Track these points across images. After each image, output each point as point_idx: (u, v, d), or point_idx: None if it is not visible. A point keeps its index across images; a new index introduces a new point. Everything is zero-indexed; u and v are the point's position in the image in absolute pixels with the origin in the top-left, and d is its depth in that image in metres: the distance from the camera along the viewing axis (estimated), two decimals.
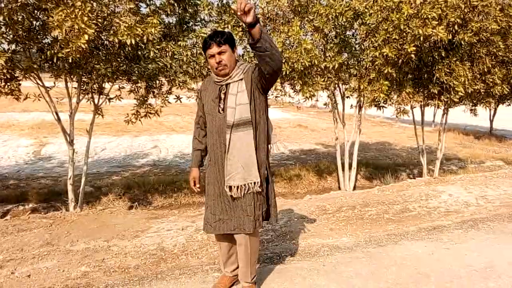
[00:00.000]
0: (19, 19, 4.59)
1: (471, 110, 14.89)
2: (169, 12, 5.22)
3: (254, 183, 2.48)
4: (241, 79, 2.48)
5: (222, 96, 2.50)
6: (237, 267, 2.80)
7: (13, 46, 4.81)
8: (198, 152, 2.75)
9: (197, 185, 2.74)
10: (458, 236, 3.89)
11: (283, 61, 5.55)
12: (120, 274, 3.15)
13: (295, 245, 3.67)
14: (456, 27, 5.83)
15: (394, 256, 3.42)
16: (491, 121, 17.61)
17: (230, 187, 2.49)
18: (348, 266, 3.24)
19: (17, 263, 3.32)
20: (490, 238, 3.84)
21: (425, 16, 5.37)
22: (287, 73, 5.58)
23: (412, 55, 5.61)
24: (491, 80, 6.81)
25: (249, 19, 2.05)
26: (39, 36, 4.85)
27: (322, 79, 6.16)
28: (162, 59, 5.15)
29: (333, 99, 7.28)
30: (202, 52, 2.62)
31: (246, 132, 2.46)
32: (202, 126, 2.72)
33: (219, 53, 2.42)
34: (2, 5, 4.23)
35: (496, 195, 5.37)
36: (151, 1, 5.23)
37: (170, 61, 5.21)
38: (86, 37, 4.08)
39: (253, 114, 2.47)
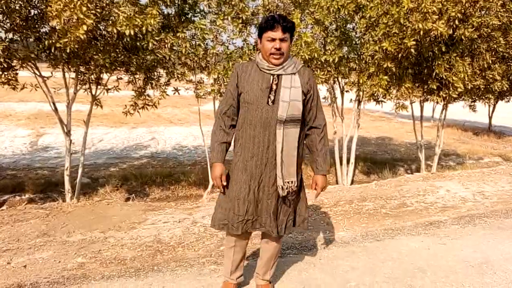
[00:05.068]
0: (17, 8, 4.55)
1: (470, 106, 14.88)
2: (168, 3, 5.17)
3: (292, 182, 2.37)
4: (294, 74, 2.34)
5: (274, 87, 2.31)
6: (241, 275, 2.72)
7: (10, 35, 4.76)
8: (224, 145, 2.43)
9: (224, 183, 2.40)
10: (454, 232, 3.89)
11: None
12: (116, 266, 3.14)
13: (292, 239, 3.67)
14: (456, 22, 5.79)
15: (391, 251, 3.43)
16: (490, 118, 17.57)
17: (280, 185, 2.35)
18: (345, 260, 3.24)
19: (13, 253, 3.32)
20: (486, 234, 3.84)
21: (425, 10, 5.33)
22: None
23: (412, 50, 5.58)
24: (491, 76, 6.79)
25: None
26: (37, 25, 4.81)
27: (322, 73, 6.13)
28: (160, 51, 5.11)
29: (332, 93, 7.25)
30: (258, 31, 2.34)
31: (294, 129, 2.32)
32: (231, 116, 2.43)
33: (282, 39, 2.24)
34: None
35: (493, 191, 5.38)
36: None
37: (169, 53, 5.17)
38: (85, 27, 4.05)
39: (303, 112, 2.36)
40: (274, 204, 2.39)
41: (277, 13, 6.27)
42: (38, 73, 5.07)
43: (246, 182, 2.37)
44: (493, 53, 6.65)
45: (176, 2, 5.34)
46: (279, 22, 2.22)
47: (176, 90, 5.77)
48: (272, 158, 2.33)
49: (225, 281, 2.72)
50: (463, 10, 5.77)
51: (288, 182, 2.36)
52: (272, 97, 2.30)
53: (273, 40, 2.25)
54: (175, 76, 5.66)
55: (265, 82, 2.32)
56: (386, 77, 5.95)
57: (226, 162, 2.43)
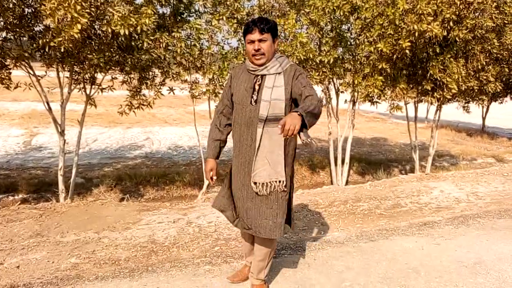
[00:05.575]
0: (10, 6, 4.51)
1: (464, 107, 14.97)
2: (163, 3, 5.15)
3: (280, 181, 2.38)
4: (279, 73, 2.37)
5: (257, 87, 2.38)
6: None
7: (4, 34, 4.73)
8: (217, 142, 2.59)
9: (214, 177, 2.59)
10: (448, 232, 3.91)
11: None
12: (110, 266, 3.13)
13: (287, 239, 3.67)
14: (451, 23, 5.83)
15: (385, 251, 3.43)
16: (484, 119, 17.69)
17: (255, 183, 2.38)
18: (339, 260, 3.25)
19: (6, 254, 3.29)
20: (480, 234, 3.86)
21: (420, 12, 5.36)
22: None
23: (407, 51, 5.61)
24: (484, 77, 6.84)
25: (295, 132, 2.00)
26: (30, 24, 4.78)
27: (317, 73, 6.15)
28: (155, 50, 5.09)
29: (327, 93, 7.26)
30: (242, 36, 2.44)
31: (277, 128, 2.27)
32: (227, 115, 2.56)
33: (260, 40, 2.31)
34: None
35: (486, 192, 5.41)
36: None
37: (164, 53, 5.16)
38: (79, 26, 4.02)
39: (287, 111, 2.35)
40: (253, 202, 2.43)
41: (273, 13, 6.26)
42: (32, 72, 5.04)
43: (236, 178, 2.50)
44: (487, 54, 6.70)
45: (171, 1, 5.32)
46: (256, 24, 2.31)
47: (171, 90, 5.76)
48: (253, 156, 2.39)
49: (244, 263, 2.93)
50: (457, 12, 5.80)
51: (275, 182, 2.39)
52: (254, 97, 2.38)
53: (253, 42, 2.33)
54: (170, 76, 5.65)
55: (250, 82, 2.41)
56: (381, 78, 5.97)
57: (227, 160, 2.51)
